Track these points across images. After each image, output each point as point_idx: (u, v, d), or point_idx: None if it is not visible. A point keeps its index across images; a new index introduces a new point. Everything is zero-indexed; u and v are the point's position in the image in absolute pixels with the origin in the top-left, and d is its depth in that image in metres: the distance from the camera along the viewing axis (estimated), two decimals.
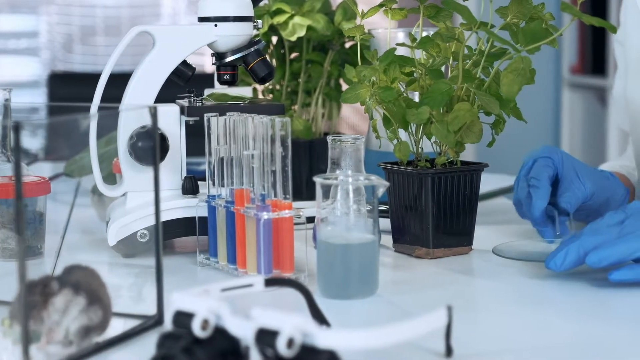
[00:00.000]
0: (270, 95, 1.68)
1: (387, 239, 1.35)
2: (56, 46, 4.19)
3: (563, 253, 1.13)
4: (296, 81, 1.66)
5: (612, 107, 1.69)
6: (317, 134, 1.66)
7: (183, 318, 0.83)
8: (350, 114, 4.53)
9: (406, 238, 1.31)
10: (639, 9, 1.52)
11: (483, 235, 1.37)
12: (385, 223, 1.35)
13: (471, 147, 4.28)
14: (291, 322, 0.77)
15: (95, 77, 1.34)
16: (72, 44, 4.13)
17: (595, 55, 3.98)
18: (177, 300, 0.84)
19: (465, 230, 1.30)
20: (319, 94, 1.65)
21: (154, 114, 0.98)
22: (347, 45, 1.66)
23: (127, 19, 4.21)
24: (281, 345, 0.76)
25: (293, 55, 1.66)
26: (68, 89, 3.41)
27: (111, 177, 1.51)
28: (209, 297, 0.90)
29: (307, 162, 1.63)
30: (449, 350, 0.89)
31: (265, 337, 0.78)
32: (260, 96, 1.70)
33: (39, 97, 3.89)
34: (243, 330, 0.80)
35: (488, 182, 1.80)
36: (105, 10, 4.21)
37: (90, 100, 1.31)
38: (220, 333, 0.82)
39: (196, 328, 0.81)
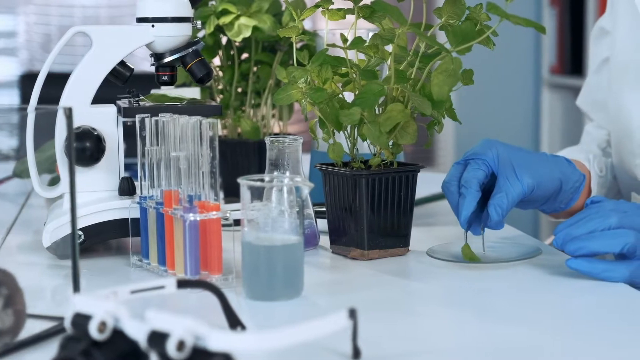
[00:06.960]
0: (221, 96, 1.67)
1: (326, 240, 1.34)
2: (34, 46, 4.18)
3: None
4: (246, 82, 1.65)
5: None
6: (268, 134, 1.65)
7: (82, 320, 0.82)
8: None
9: (342, 239, 1.30)
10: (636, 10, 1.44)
11: (422, 236, 1.37)
12: (325, 224, 1.34)
13: (452, 148, 4.25)
14: (182, 325, 0.77)
15: None
16: (50, 44, 4.11)
17: (573, 56, 3.96)
18: (77, 302, 0.84)
19: (401, 232, 1.30)
20: (268, 95, 1.64)
21: (68, 115, 0.98)
22: (299, 45, 1.66)
23: (106, 19, 4.20)
24: (171, 348, 0.76)
25: (244, 56, 1.66)
26: (45, 89, 3.40)
27: (57, 179, 1.50)
28: (114, 299, 0.90)
29: (255, 163, 1.62)
30: (356, 352, 0.89)
31: (157, 339, 0.77)
32: (210, 97, 1.70)
33: (16, 98, 3.87)
34: (138, 333, 0.79)
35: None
36: (83, 10, 4.19)
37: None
38: (120, 335, 0.82)
39: (93, 330, 0.81)
